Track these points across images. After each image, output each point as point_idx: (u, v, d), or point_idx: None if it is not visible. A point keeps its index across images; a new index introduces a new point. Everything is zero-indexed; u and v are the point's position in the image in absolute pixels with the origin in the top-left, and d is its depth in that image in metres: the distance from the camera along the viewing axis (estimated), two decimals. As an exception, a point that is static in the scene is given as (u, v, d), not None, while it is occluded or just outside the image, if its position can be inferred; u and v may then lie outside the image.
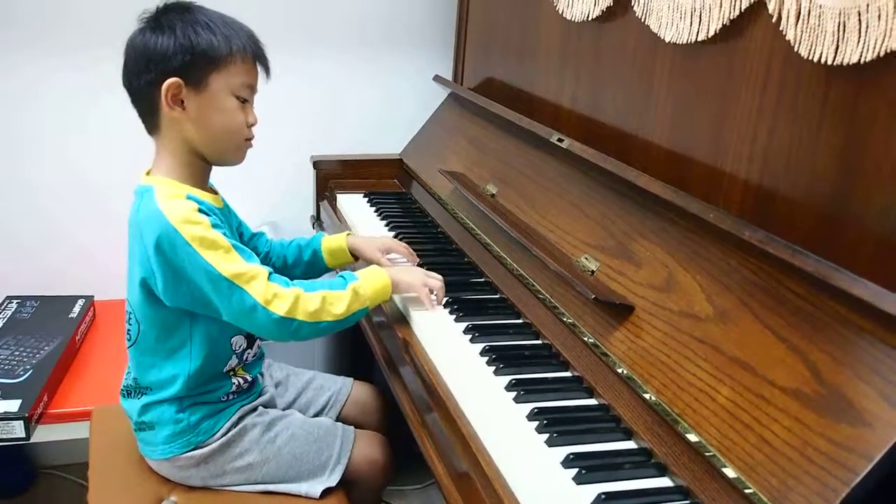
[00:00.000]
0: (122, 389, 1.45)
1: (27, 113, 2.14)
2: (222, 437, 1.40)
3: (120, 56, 1.33)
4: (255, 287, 1.29)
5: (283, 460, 1.42)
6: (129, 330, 1.40)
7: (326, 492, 1.44)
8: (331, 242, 1.63)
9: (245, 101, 1.36)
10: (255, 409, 1.46)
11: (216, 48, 1.30)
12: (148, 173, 1.37)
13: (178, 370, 1.36)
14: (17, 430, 1.72)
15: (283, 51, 2.29)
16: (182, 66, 1.28)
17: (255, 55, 1.37)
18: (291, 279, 1.36)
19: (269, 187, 2.40)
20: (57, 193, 2.20)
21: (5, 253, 2.21)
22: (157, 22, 1.31)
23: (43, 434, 1.80)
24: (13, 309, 2.12)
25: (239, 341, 1.42)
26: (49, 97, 2.13)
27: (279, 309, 1.30)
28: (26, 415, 1.71)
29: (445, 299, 1.51)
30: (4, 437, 1.72)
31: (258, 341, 1.48)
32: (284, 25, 2.28)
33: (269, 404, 1.52)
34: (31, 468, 2.28)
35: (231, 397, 1.43)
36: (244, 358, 1.44)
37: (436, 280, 1.49)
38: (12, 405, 1.73)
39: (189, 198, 1.32)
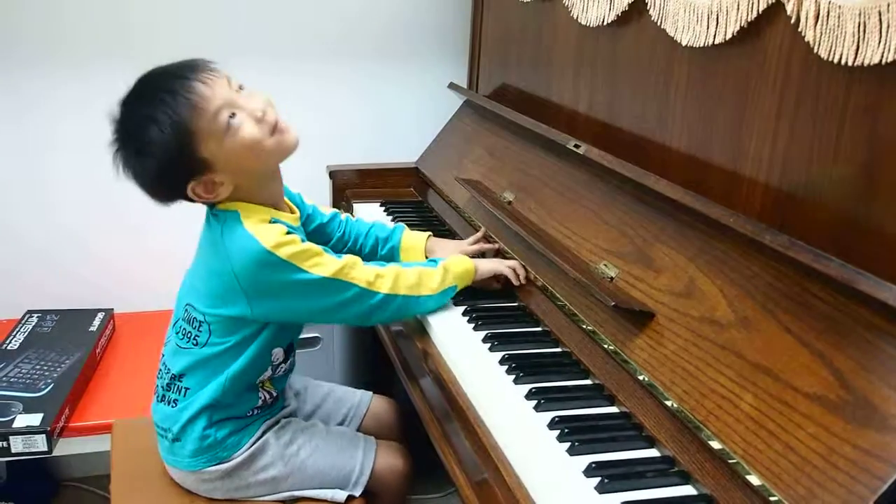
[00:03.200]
0: (156, 392, 1.44)
1: (46, 127, 2.15)
2: (246, 450, 1.40)
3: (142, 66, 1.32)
4: (356, 275, 1.35)
5: (306, 473, 1.42)
6: (194, 336, 1.36)
7: (350, 498, 1.44)
8: (410, 242, 1.67)
9: (235, 116, 1.26)
10: (277, 422, 1.46)
11: (170, 136, 1.23)
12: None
13: (221, 370, 1.35)
14: (40, 443, 1.73)
15: (297, 59, 2.31)
16: (174, 172, 1.27)
17: (189, 85, 1.25)
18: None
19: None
20: (76, 207, 2.22)
21: (25, 267, 2.23)
22: (125, 142, 1.27)
23: (65, 447, 1.81)
24: (34, 323, 2.13)
25: (278, 354, 1.42)
26: (67, 109, 2.15)
27: (383, 287, 1.37)
28: (48, 428, 1.72)
29: (463, 308, 1.50)
30: (27, 450, 1.73)
31: (292, 356, 1.48)
32: (299, 34, 2.29)
33: (291, 415, 1.52)
34: (53, 481, 2.29)
35: (256, 412, 1.43)
36: (277, 371, 1.44)
37: (513, 262, 1.58)
38: (34, 419, 1.74)
39: (274, 221, 1.33)
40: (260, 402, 1.43)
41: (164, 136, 1.23)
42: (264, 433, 1.43)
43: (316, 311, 1.36)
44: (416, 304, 1.43)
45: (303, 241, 1.32)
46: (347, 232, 1.67)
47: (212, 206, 1.35)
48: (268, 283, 1.29)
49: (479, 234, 1.75)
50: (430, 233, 1.70)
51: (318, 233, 1.62)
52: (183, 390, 1.39)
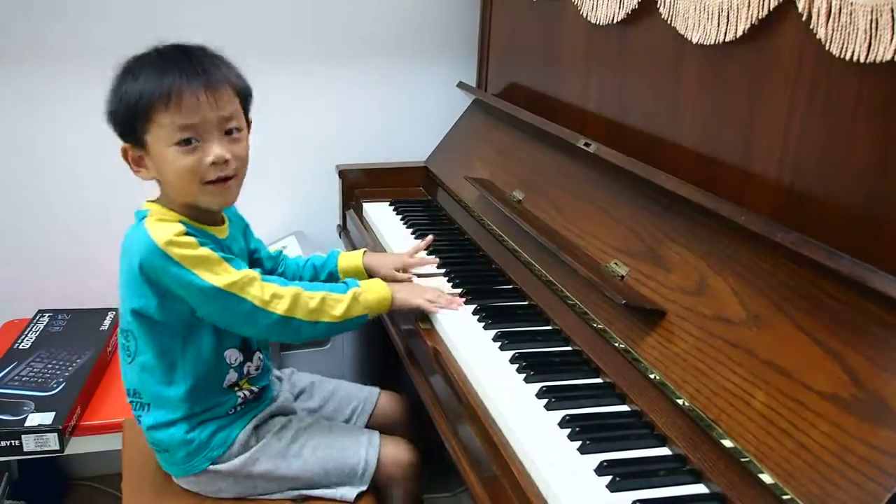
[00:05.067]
0: (133, 411, 1.44)
1: (57, 128, 2.16)
2: (244, 451, 1.40)
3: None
4: (251, 291, 1.29)
5: (311, 470, 1.42)
6: (126, 346, 1.38)
7: (360, 495, 1.44)
8: (347, 262, 1.63)
9: (192, 142, 1.25)
10: (273, 419, 1.46)
11: (134, 101, 1.25)
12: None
13: (176, 390, 1.36)
14: (52, 442, 1.73)
15: (307, 59, 2.32)
16: (121, 128, 1.29)
17: (187, 87, 1.24)
18: None
19: (294, 197, 2.40)
20: (86, 207, 2.23)
21: (36, 267, 2.24)
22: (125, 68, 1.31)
23: (76, 446, 1.82)
24: (45, 322, 2.14)
25: (233, 355, 1.40)
26: (79, 111, 2.16)
27: (278, 308, 1.31)
28: (60, 427, 1.73)
29: (474, 306, 1.50)
30: (39, 449, 1.74)
31: (258, 353, 1.46)
32: (309, 34, 2.29)
33: (287, 411, 1.51)
34: (65, 480, 2.30)
35: (239, 409, 1.43)
36: (245, 372, 1.43)
37: (433, 291, 1.51)
38: (46, 418, 1.74)
39: (180, 222, 1.31)
40: (241, 400, 1.42)
41: (129, 90, 1.26)
42: (259, 430, 1.43)
43: (225, 322, 1.32)
44: (315, 329, 1.36)
45: (204, 246, 1.28)
46: (287, 267, 1.63)
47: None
48: (164, 276, 1.26)
49: (421, 244, 1.72)
50: (365, 249, 1.68)
51: (260, 264, 1.59)
52: (145, 406, 1.40)
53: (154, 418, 1.38)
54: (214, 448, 1.39)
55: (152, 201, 1.36)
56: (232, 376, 1.41)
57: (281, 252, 1.65)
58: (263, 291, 1.30)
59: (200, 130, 1.26)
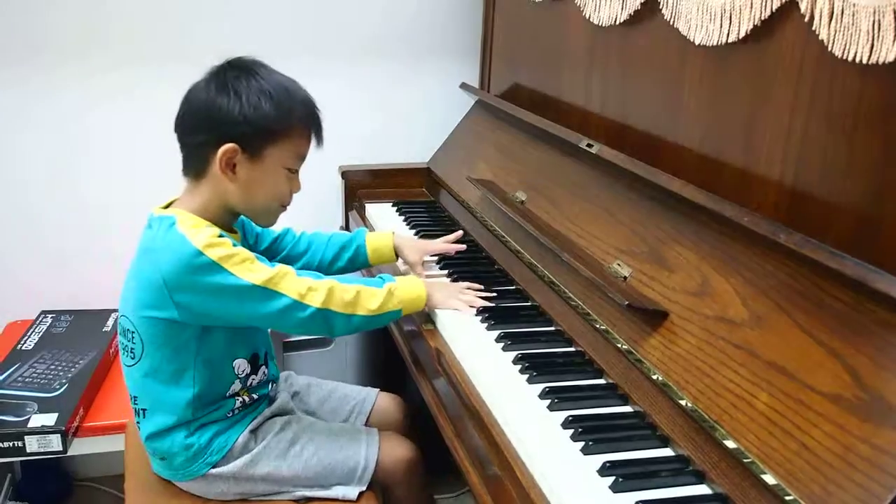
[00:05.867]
0: (134, 417, 1.45)
1: (64, 129, 2.17)
2: (242, 453, 1.40)
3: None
4: (287, 285, 1.31)
5: (312, 471, 1.43)
6: (130, 349, 1.38)
7: (361, 495, 1.44)
8: (376, 239, 1.66)
9: (294, 172, 1.40)
10: (272, 420, 1.46)
11: (277, 122, 1.32)
12: (167, 206, 1.37)
13: (181, 394, 1.36)
14: (55, 443, 1.74)
15: (309, 60, 2.31)
16: (242, 134, 1.30)
17: (311, 127, 1.39)
18: (332, 274, 1.42)
19: (297, 198, 2.40)
20: (89, 208, 2.23)
21: (39, 268, 2.24)
22: (222, 80, 1.31)
23: (79, 447, 1.82)
24: (48, 323, 2.15)
25: (241, 365, 1.41)
26: (86, 115, 2.16)
27: (315, 301, 1.32)
28: (63, 428, 1.73)
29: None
30: (42, 450, 1.74)
31: (263, 368, 1.47)
32: (311, 34, 2.29)
33: (285, 411, 1.51)
34: (68, 480, 2.30)
35: (237, 412, 1.43)
36: (248, 383, 1.43)
37: (471, 294, 1.52)
38: (49, 419, 1.75)
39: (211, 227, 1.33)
40: (239, 405, 1.43)
41: (266, 108, 1.31)
42: (258, 433, 1.43)
43: (245, 318, 1.33)
44: (351, 322, 1.37)
45: (236, 246, 1.30)
46: (303, 243, 1.64)
47: (166, 206, 1.37)
48: (194, 284, 1.27)
49: (451, 237, 1.74)
50: (393, 231, 1.70)
51: (270, 251, 1.61)
52: (141, 412, 1.40)
53: (153, 425, 1.38)
54: (214, 453, 1.39)
55: (170, 208, 1.36)
56: (236, 386, 1.41)
57: (289, 230, 1.66)
58: (300, 285, 1.32)
59: (301, 164, 1.42)
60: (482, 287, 1.56)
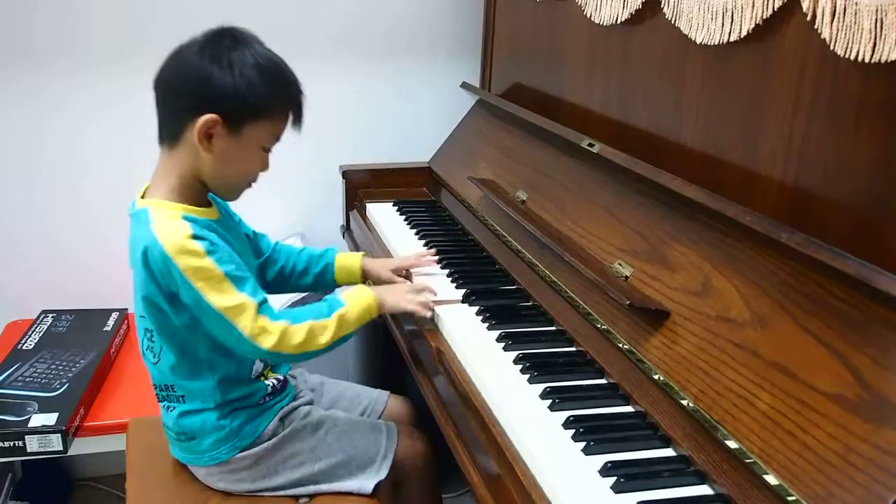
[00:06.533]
0: (158, 399, 1.45)
1: (63, 130, 2.16)
2: (271, 438, 1.42)
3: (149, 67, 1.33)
4: (243, 321, 1.29)
5: (334, 456, 1.44)
6: (150, 348, 1.39)
7: (376, 488, 1.45)
8: (344, 260, 1.63)
9: (268, 150, 1.38)
10: (297, 410, 1.47)
11: (264, 100, 1.31)
12: (144, 193, 1.37)
13: (205, 383, 1.37)
14: (55, 442, 1.73)
15: (309, 59, 2.30)
16: (227, 107, 1.29)
17: (294, 109, 1.37)
18: (298, 288, 1.44)
19: (298, 197, 2.41)
20: (90, 208, 2.23)
21: (40, 267, 2.24)
22: (217, 48, 1.30)
23: (80, 446, 1.82)
24: (49, 323, 2.14)
25: None
26: (85, 113, 2.16)
27: (265, 343, 1.31)
28: (63, 428, 1.73)
29: (477, 307, 1.51)
30: (43, 449, 1.74)
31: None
32: (311, 35, 2.29)
33: (308, 402, 1.53)
34: (69, 480, 2.30)
35: (268, 399, 1.44)
36: (269, 361, 1.45)
37: (423, 295, 1.49)
38: (50, 418, 1.75)
39: (185, 218, 1.31)
40: (270, 389, 1.44)
41: (257, 85, 1.29)
42: (284, 420, 1.44)
43: (217, 338, 1.33)
44: (303, 356, 1.37)
45: (211, 253, 1.28)
46: (280, 252, 1.63)
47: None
48: (165, 287, 1.28)
49: (423, 252, 1.71)
50: (363, 252, 1.67)
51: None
52: (179, 398, 1.41)
53: (187, 407, 1.40)
54: (244, 437, 1.40)
55: (148, 194, 1.36)
56: (258, 366, 1.43)
57: (265, 235, 1.64)
58: (255, 324, 1.30)
59: (274, 143, 1.38)
60: (435, 292, 1.53)
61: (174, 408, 1.41)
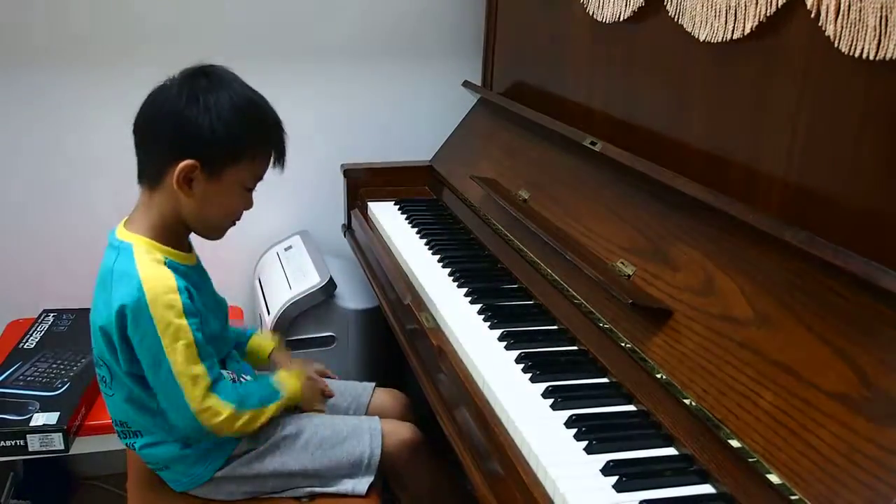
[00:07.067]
0: (117, 432, 1.44)
1: (63, 130, 2.16)
2: (247, 452, 1.40)
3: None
4: (193, 393, 1.29)
5: (319, 465, 1.43)
6: (104, 378, 1.38)
7: (370, 488, 1.45)
8: (257, 345, 1.63)
9: (250, 190, 1.37)
10: (271, 422, 1.44)
11: (243, 144, 1.30)
12: (126, 222, 1.36)
13: (159, 417, 1.35)
14: (57, 441, 1.73)
15: (311, 59, 2.31)
16: (205, 152, 1.27)
17: (275, 149, 1.36)
18: None
19: (299, 197, 2.40)
20: (91, 207, 2.22)
21: (41, 267, 2.24)
22: (194, 91, 1.27)
23: (81, 446, 1.82)
24: (50, 322, 2.14)
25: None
26: (84, 115, 2.16)
27: (207, 422, 1.31)
28: (65, 427, 1.73)
29: (479, 305, 1.50)
30: (44, 449, 1.74)
31: (236, 365, 1.48)
32: (312, 34, 2.28)
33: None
34: (70, 479, 2.30)
35: None
36: None
37: (322, 402, 1.55)
38: (51, 417, 1.74)
39: (167, 264, 1.30)
40: None
41: (235, 129, 1.27)
42: (261, 432, 1.42)
43: (160, 396, 1.31)
44: (232, 436, 1.38)
45: (188, 314, 1.28)
46: None
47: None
48: (126, 331, 1.26)
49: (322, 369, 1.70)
50: (276, 343, 1.66)
51: None
52: (135, 433, 1.40)
53: (146, 440, 1.38)
54: (215, 459, 1.39)
55: (130, 231, 1.34)
56: None
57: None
58: (203, 401, 1.29)
59: (255, 184, 1.37)
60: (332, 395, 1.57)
61: (134, 443, 1.40)
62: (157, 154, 1.30)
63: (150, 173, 1.32)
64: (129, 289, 1.25)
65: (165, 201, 1.32)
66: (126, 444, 1.43)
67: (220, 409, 1.31)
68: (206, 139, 1.26)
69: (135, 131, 1.32)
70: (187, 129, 1.26)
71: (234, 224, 1.40)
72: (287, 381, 1.46)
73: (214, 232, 1.40)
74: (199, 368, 1.29)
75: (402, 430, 1.51)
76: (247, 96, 1.31)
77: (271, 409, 1.39)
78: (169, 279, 1.28)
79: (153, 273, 1.27)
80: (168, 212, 1.33)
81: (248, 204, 1.38)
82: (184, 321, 1.27)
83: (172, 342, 1.26)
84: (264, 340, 1.65)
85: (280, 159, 1.38)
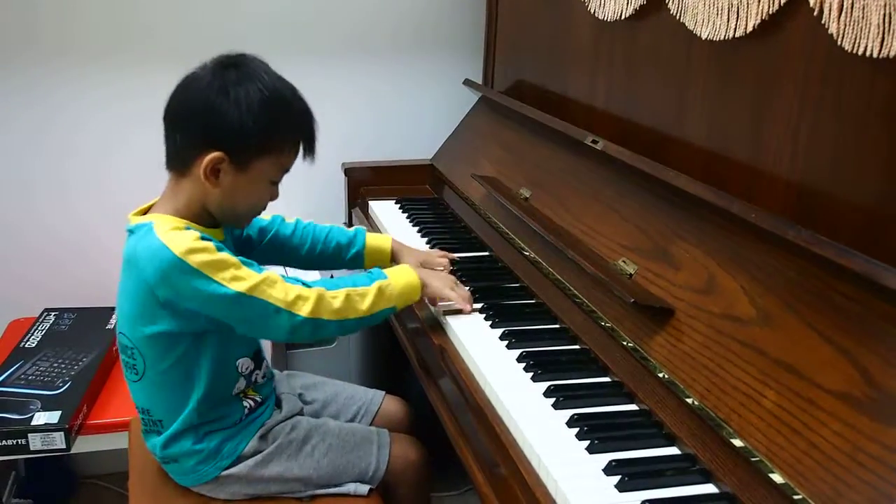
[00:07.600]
0: (142, 428, 1.44)
1: (65, 130, 2.16)
2: (254, 455, 1.40)
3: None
4: (274, 294, 1.27)
5: (323, 472, 1.42)
6: (132, 365, 1.36)
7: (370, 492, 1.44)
8: (375, 242, 1.62)
9: (275, 182, 1.37)
10: (282, 424, 1.44)
11: (270, 136, 1.30)
12: (144, 212, 1.35)
13: (188, 398, 1.34)
14: (58, 440, 1.73)
15: (312, 57, 2.31)
16: (233, 144, 1.27)
17: (304, 142, 1.36)
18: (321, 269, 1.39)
19: (300, 195, 2.38)
20: (93, 206, 2.22)
21: (42, 266, 2.24)
22: (223, 82, 1.27)
23: (83, 445, 1.82)
24: (51, 321, 2.14)
25: (245, 363, 1.40)
26: (86, 113, 2.16)
27: (303, 310, 1.29)
28: (66, 426, 1.73)
29: (480, 304, 1.49)
30: (46, 448, 1.74)
31: (266, 361, 1.47)
32: (313, 32, 2.28)
33: (293, 413, 1.49)
34: (72, 478, 2.30)
35: (245, 419, 1.41)
36: (253, 379, 1.42)
37: (465, 290, 1.49)
38: (53, 416, 1.74)
39: (188, 229, 1.29)
40: (247, 410, 1.41)
41: (264, 121, 1.28)
42: (268, 435, 1.42)
43: (248, 327, 1.31)
44: (341, 327, 1.35)
45: (221, 250, 1.27)
46: (297, 236, 1.61)
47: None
48: (179, 290, 1.24)
49: (443, 253, 1.68)
50: (391, 236, 1.65)
51: (256, 240, 1.58)
52: (157, 423, 1.39)
53: (166, 432, 1.37)
54: (224, 458, 1.38)
55: (148, 213, 1.34)
56: (241, 384, 1.40)
57: (278, 218, 1.62)
58: (287, 293, 1.28)
59: (282, 175, 1.38)
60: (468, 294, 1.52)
61: (154, 435, 1.40)
62: (185, 143, 1.30)
63: (179, 161, 1.32)
64: (161, 257, 1.24)
65: (193, 190, 1.32)
66: (144, 432, 1.42)
67: (308, 294, 1.30)
68: (234, 132, 1.26)
69: (165, 119, 1.32)
70: (216, 121, 1.26)
71: (259, 215, 1.42)
72: (397, 268, 1.44)
73: (238, 222, 1.41)
74: (262, 275, 1.28)
75: (410, 451, 1.50)
76: (276, 88, 1.31)
77: (373, 288, 1.36)
78: (191, 234, 1.27)
79: (174, 235, 1.26)
80: (195, 199, 1.32)
81: (274, 195, 1.38)
82: (221, 253, 1.26)
83: (224, 273, 1.24)
84: (380, 238, 1.63)
85: (310, 149, 1.37)
